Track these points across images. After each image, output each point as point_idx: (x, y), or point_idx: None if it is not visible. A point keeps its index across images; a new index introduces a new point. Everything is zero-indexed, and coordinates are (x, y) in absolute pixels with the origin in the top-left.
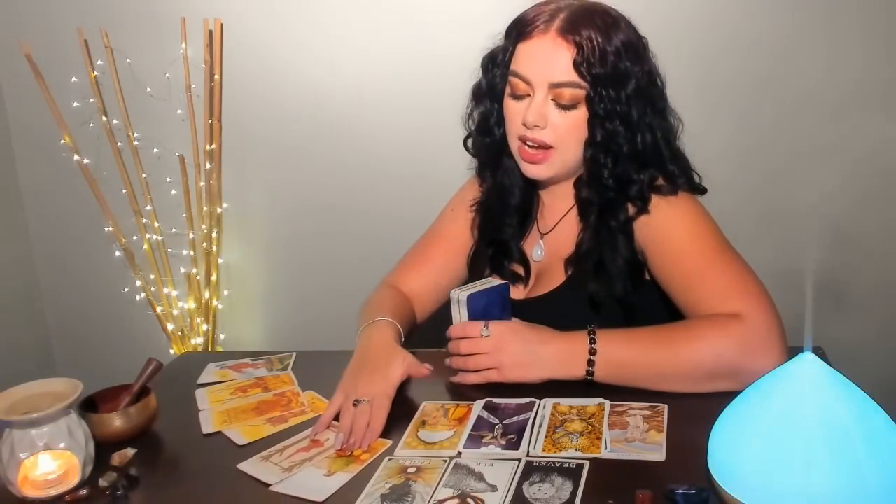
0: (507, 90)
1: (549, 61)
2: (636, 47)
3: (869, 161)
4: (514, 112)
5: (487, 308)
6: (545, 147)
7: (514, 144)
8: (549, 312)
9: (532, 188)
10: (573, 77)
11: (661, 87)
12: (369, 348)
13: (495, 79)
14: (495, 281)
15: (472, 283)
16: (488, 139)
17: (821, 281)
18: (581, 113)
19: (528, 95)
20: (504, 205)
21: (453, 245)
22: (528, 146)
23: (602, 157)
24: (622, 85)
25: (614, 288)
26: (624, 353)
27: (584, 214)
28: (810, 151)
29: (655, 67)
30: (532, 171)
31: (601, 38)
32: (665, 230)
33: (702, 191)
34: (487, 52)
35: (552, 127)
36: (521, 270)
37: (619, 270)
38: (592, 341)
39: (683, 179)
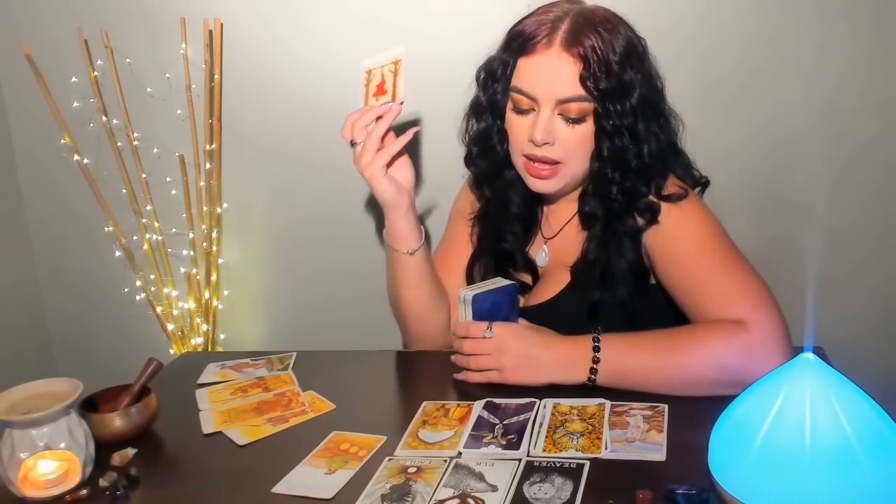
0: (510, 105)
1: (554, 77)
2: (637, 52)
3: (866, 158)
4: (519, 127)
5: (494, 308)
6: (553, 163)
7: (519, 161)
8: (550, 317)
9: (534, 196)
10: (580, 91)
11: (662, 89)
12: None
13: (496, 95)
14: (504, 281)
15: (481, 282)
16: (490, 155)
17: (820, 280)
18: (588, 126)
19: (533, 110)
20: (506, 214)
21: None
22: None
23: (610, 171)
24: (627, 96)
25: (618, 294)
26: (627, 360)
27: (588, 225)
28: (808, 149)
29: (655, 69)
30: (540, 186)
31: (605, 46)
32: (671, 233)
33: (705, 183)
34: (483, 65)
35: (560, 142)
36: (528, 279)
37: (624, 276)
38: (596, 349)
39: (688, 178)
